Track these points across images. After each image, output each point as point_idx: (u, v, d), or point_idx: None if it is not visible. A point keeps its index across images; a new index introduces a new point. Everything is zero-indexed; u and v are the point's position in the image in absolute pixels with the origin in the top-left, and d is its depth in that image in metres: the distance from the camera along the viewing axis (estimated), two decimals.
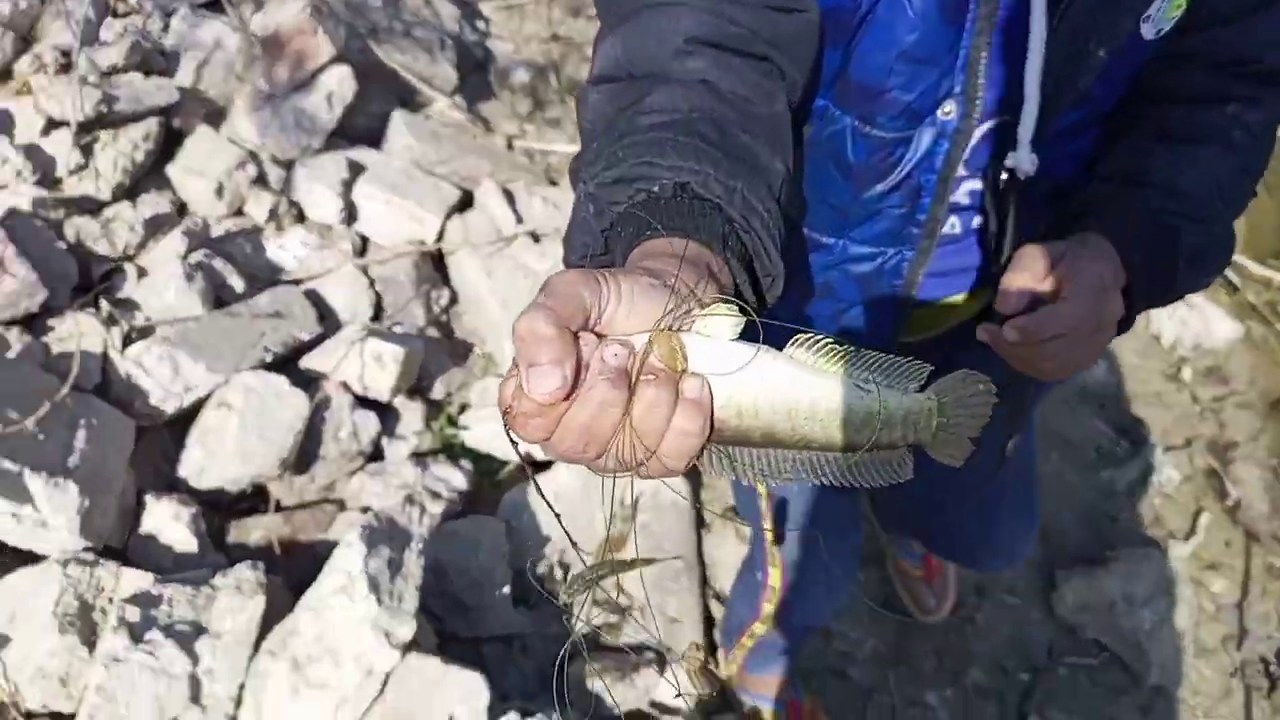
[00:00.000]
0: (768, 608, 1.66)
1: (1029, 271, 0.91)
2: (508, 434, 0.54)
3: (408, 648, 1.58)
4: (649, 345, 0.52)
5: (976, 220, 1.04)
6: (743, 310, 0.55)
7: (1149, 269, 0.91)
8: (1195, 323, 3.12)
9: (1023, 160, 0.90)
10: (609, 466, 0.54)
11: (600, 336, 0.52)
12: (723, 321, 0.54)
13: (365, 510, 1.92)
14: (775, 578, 1.47)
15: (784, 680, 2.01)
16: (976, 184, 0.99)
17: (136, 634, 1.52)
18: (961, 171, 0.96)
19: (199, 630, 1.58)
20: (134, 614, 1.53)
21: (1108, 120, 1.00)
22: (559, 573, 2.15)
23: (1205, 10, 0.89)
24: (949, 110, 0.89)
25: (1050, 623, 2.34)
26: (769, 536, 1.50)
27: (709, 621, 2.11)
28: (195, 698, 1.53)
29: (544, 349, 0.49)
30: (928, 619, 2.21)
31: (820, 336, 0.57)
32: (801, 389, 0.56)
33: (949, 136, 0.91)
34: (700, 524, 2.32)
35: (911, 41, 0.84)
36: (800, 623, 1.67)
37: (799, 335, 0.57)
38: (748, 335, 0.56)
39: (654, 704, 1.89)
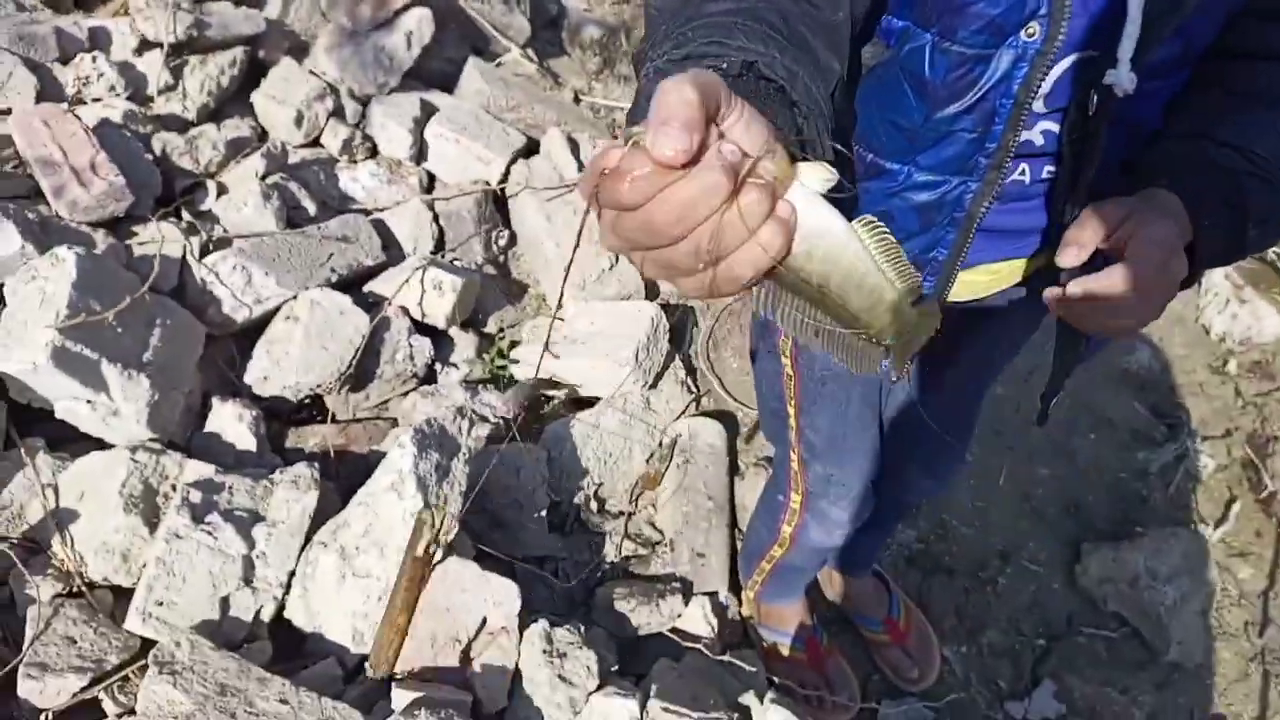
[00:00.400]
0: (786, 529, 1.73)
1: (1093, 227, 0.92)
2: (593, 200, 0.54)
3: (448, 550, 1.67)
4: (764, 154, 0.54)
5: (1047, 170, 1.02)
6: (838, 175, 0.58)
7: (1217, 230, 0.90)
8: (1246, 317, 3.10)
9: (1122, 78, 0.87)
10: (675, 261, 0.54)
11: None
12: (819, 175, 0.58)
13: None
14: (795, 500, 1.53)
15: (802, 611, 2.08)
16: (1053, 125, 0.97)
17: (198, 515, 1.63)
18: (1040, 107, 0.94)
19: (256, 518, 1.69)
20: (196, 496, 1.65)
21: (1192, 71, 0.98)
22: (594, 504, 2.23)
23: None
24: (1032, 31, 0.86)
25: (1073, 593, 2.38)
26: (794, 457, 1.57)
27: (735, 560, 2.19)
28: (248, 579, 1.64)
29: (682, 111, 0.49)
30: (915, 688, 2.17)
31: (879, 225, 0.61)
32: (860, 260, 0.62)
33: (1029, 60, 0.88)
34: (734, 471, 2.39)
35: None
36: (817, 543, 1.72)
37: (866, 217, 0.62)
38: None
39: (675, 630, 1.97)
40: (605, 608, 1.98)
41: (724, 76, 0.61)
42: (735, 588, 2.15)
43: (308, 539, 1.72)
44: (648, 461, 2.33)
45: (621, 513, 2.27)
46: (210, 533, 1.62)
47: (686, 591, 2.05)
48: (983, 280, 1.17)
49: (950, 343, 1.34)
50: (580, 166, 2.64)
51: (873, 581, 2.22)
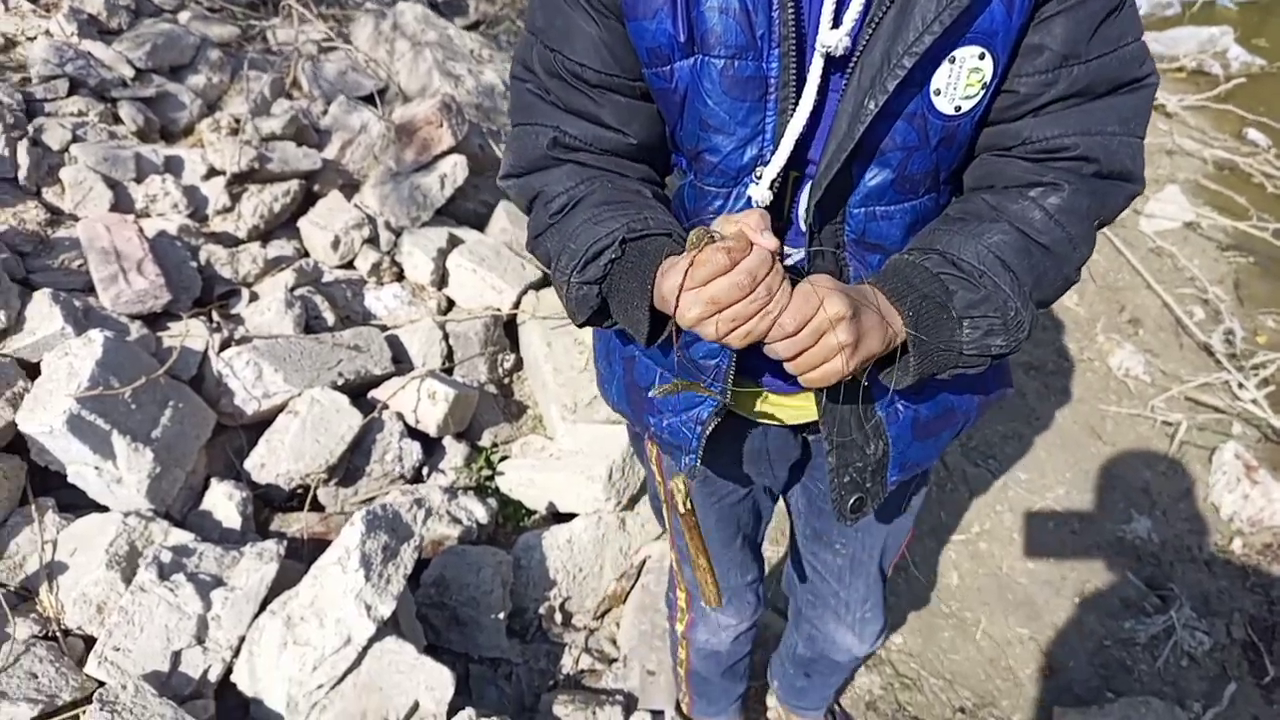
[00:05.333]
0: (679, 627, 1.80)
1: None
2: (696, 253, 0.88)
3: (385, 627, 1.77)
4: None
5: None
6: None
7: (923, 318, 0.99)
8: (1258, 499, 3.05)
9: (757, 192, 1.02)
10: (740, 311, 0.88)
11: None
12: None
13: None
14: (682, 597, 1.60)
15: None
16: (798, 253, 1.09)
17: (165, 573, 1.78)
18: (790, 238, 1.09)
19: (219, 583, 1.83)
20: (166, 556, 1.80)
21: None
22: (559, 616, 2.30)
23: (1021, 100, 0.98)
24: (760, 174, 1.02)
25: None
26: (672, 554, 1.65)
27: None
28: (201, 638, 1.76)
29: (757, 223, 0.89)
30: None
31: None
32: None
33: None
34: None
35: (710, 112, 1.02)
36: (704, 643, 1.77)
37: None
38: None
39: None
40: (546, 713, 2.03)
41: (623, 259, 1.01)
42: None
43: (263, 607, 1.84)
44: (618, 580, 2.40)
45: (585, 627, 2.33)
46: (172, 590, 1.76)
47: (629, 706, 2.08)
48: (794, 406, 1.26)
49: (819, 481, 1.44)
50: None
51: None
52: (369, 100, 3.27)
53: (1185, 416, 3.31)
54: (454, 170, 2.96)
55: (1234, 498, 3.08)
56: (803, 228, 1.06)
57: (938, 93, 0.97)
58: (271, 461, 2.22)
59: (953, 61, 0.96)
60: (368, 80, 3.36)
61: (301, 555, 2.10)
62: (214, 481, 2.17)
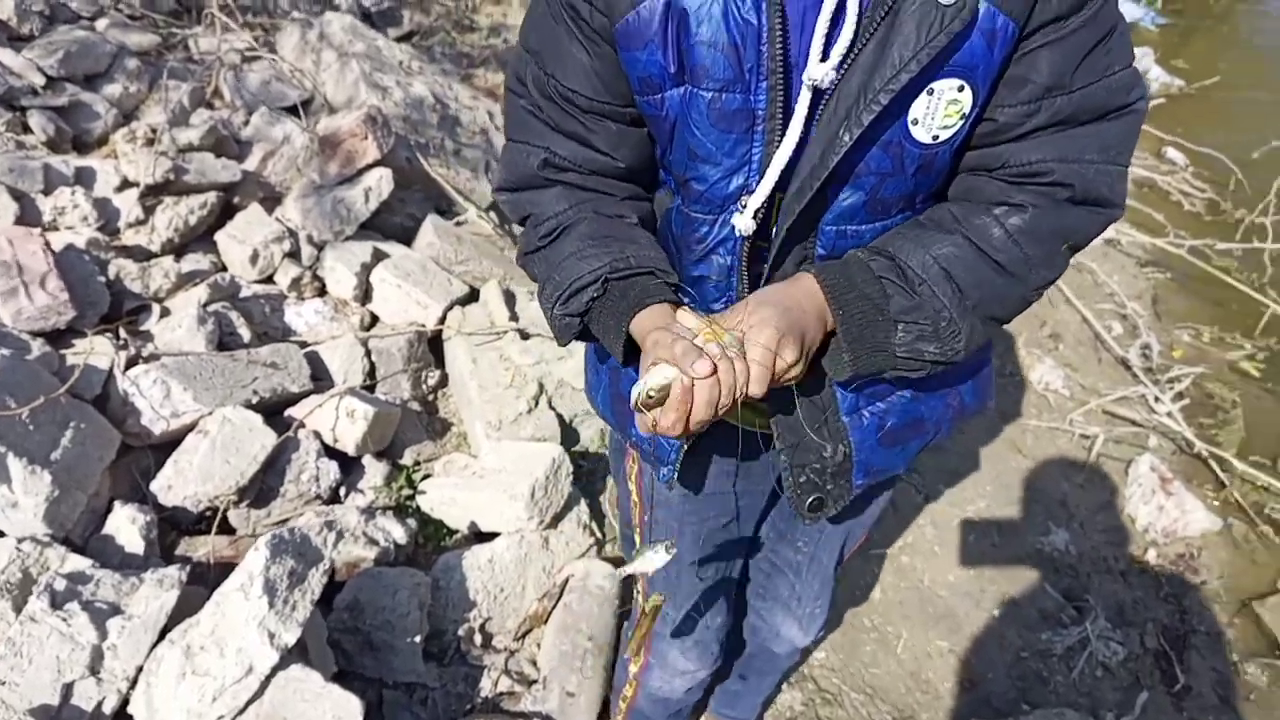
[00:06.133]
0: (633, 669, 1.77)
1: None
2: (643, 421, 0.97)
3: (290, 654, 1.73)
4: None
5: None
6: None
7: (855, 312, 1.02)
8: (1172, 510, 3.13)
9: (741, 222, 1.05)
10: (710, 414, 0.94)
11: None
12: None
13: None
14: (639, 637, 1.59)
15: None
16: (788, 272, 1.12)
17: (57, 602, 1.72)
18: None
19: (116, 611, 1.77)
20: (60, 584, 1.74)
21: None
22: (479, 638, 2.27)
23: (1002, 128, 0.99)
24: (744, 202, 1.05)
25: None
26: (637, 589, 1.64)
27: (606, 704, 2.19)
28: (95, 669, 1.70)
29: (687, 354, 0.94)
30: None
31: None
32: None
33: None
34: (625, 614, 2.42)
35: (698, 143, 1.04)
36: (657, 689, 1.76)
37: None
38: None
39: None
40: None
41: (605, 297, 1.09)
42: None
43: (163, 636, 1.78)
44: (540, 600, 2.37)
45: (505, 648, 2.30)
46: (65, 619, 1.69)
47: None
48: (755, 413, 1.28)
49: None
50: (514, 316, 2.83)
51: None
52: (293, 111, 3.21)
53: (1103, 430, 3.39)
54: (379, 184, 2.92)
55: (1149, 509, 3.15)
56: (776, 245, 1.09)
57: (915, 122, 0.98)
58: (179, 483, 2.15)
59: (931, 93, 0.96)
60: (292, 91, 3.31)
61: (208, 580, 2.04)
62: (117, 505, 2.11)
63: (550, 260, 1.14)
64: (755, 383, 0.95)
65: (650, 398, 0.94)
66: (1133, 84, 1.00)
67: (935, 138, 1.00)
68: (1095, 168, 1.01)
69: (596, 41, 1.05)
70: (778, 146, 1.00)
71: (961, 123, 0.99)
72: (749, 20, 0.94)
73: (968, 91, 0.97)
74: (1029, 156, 1.01)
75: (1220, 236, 4.50)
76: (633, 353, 1.08)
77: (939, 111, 0.98)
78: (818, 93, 0.97)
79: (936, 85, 0.96)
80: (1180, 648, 2.77)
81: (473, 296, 2.92)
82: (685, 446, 1.27)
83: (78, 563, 1.87)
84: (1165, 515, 3.14)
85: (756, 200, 1.03)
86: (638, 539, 1.61)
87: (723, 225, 1.10)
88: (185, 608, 1.84)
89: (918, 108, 0.97)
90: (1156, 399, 3.57)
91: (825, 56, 0.95)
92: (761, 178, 1.02)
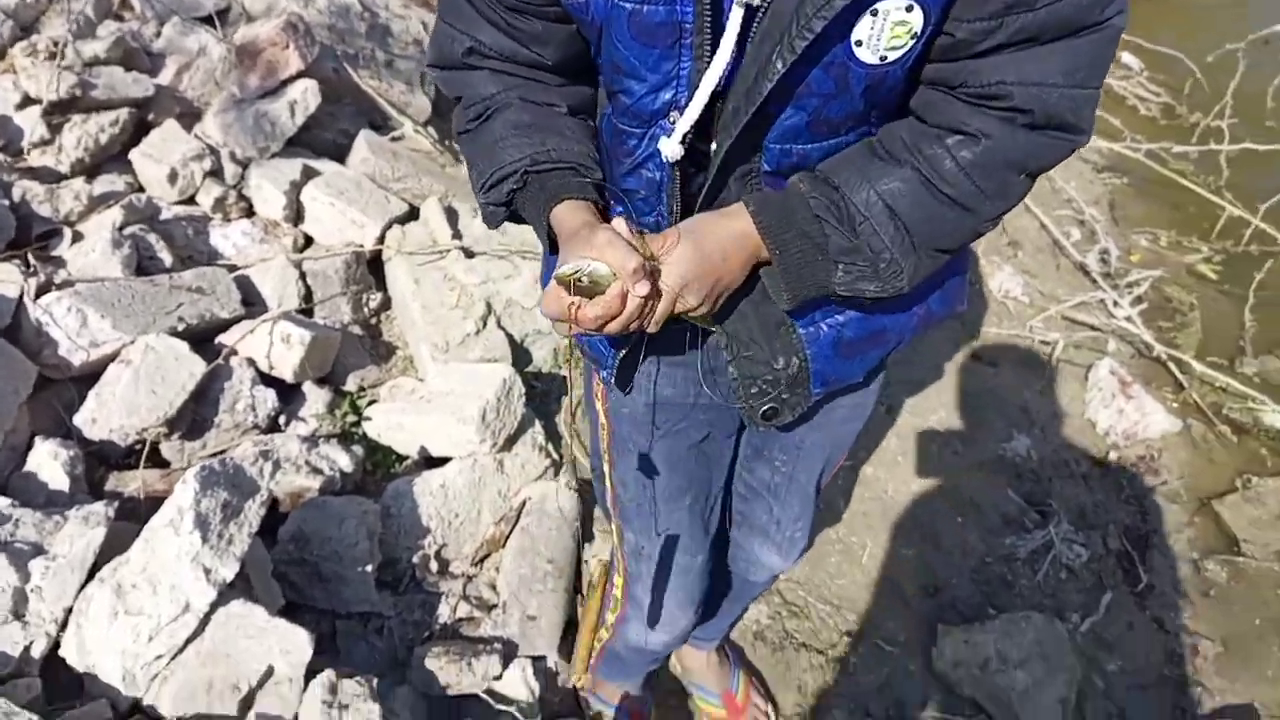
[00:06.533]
0: (610, 616, 1.69)
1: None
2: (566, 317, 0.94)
3: (230, 590, 1.63)
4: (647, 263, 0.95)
5: None
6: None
7: (792, 250, 1.00)
8: (1132, 413, 3.12)
9: (667, 147, 0.99)
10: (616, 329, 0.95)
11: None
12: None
13: None
14: (619, 584, 1.51)
15: (629, 692, 2.02)
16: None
17: None
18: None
19: (38, 551, 1.65)
20: None
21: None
22: (434, 564, 2.18)
23: (959, 44, 0.90)
24: (674, 119, 0.98)
25: (930, 677, 2.31)
26: (613, 527, 1.55)
27: (568, 626, 2.13)
28: (19, 612, 1.59)
29: (624, 260, 0.92)
30: None
31: None
32: None
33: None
34: (587, 537, 2.35)
35: (621, 56, 0.96)
36: (635, 641, 1.69)
37: None
38: None
39: (491, 693, 1.91)
40: (419, 666, 1.92)
41: (525, 188, 1.08)
42: (569, 651, 2.09)
43: (91, 576, 1.67)
44: (496, 524, 2.29)
45: (463, 574, 2.22)
46: None
47: (508, 654, 1.99)
48: None
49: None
50: (457, 234, 2.69)
51: (717, 655, 2.16)
52: (208, 21, 2.99)
53: (1062, 336, 3.35)
54: (304, 96, 2.73)
55: (1109, 413, 3.14)
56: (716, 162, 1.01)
57: (859, 44, 0.89)
58: (103, 416, 2.02)
59: (875, 14, 0.87)
60: None
61: (140, 515, 1.92)
62: (38, 440, 1.97)
63: (477, 143, 1.12)
64: (652, 321, 0.97)
65: (579, 283, 0.91)
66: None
67: (883, 58, 0.91)
68: (1060, 91, 0.91)
69: None
70: (708, 64, 0.92)
71: (912, 42, 0.90)
72: None
73: (917, 11, 0.87)
74: (988, 78, 0.91)
75: (1177, 140, 4.44)
76: (557, 244, 1.06)
77: (885, 33, 0.89)
78: (750, 9, 0.88)
79: (881, 6, 0.86)
80: (1142, 548, 2.77)
81: (412, 215, 2.77)
82: (620, 352, 1.22)
83: None
84: (1125, 418, 3.13)
85: (685, 123, 0.96)
86: (606, 469, 1.51)
87: (651, 140, 1.03)
88: (115, 545, 1.73)
89: (861, 29, 0.88)
90: (1115, 303, 3.54)
91: None
92: (690, 95, 0.95)
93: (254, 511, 1.70)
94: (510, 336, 2.58)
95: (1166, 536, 2.82)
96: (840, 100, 0.96)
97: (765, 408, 1.19)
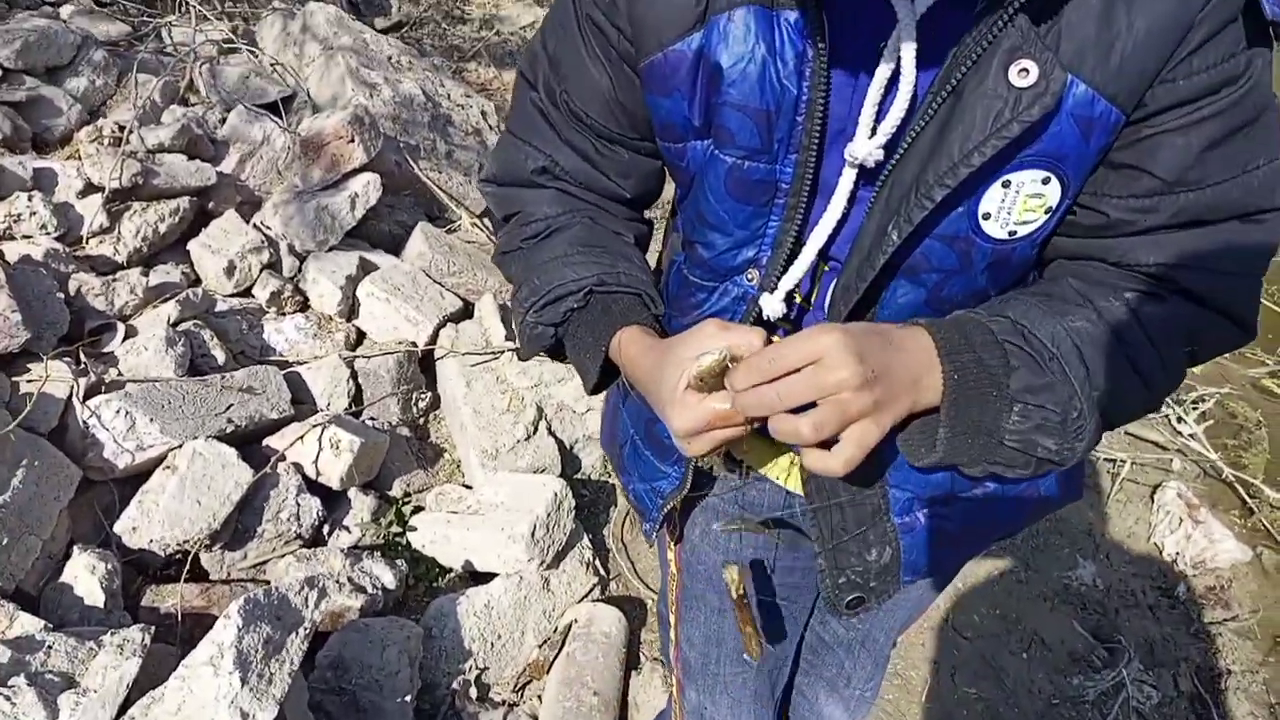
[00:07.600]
0: None
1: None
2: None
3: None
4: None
5: None
6: None
7: (968, 381, 0.81)
8: (1200, 539, 2.98)
9: (769, 304, 0.91)
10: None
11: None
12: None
13: None
14: (675, 693, 1.41)
15: None
16: None
17: (1, 676, 1.52)
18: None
19: (69, 683, 1.57)
20: (5, 655, 1.53)
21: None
22: (474, 691, 2.08)
23: (1111, 224, 0.83)
24: (752, 277, 0.93)
25: None
26: (674, 680, 1.44)
27: None
28: None
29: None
30: None
31: None
32: None
33: (746, 300, 0.94)
34: (631, 664, 2.24)
35: (710, 209, 0.90)
36: None
37: None
38: None
39: None
40: None
41: (584, 309, 0.97)
42: None
43: (123, 711, 1.58)
44: (540, 647, 2.19)
45: (504, 701, 2.11)
46: (9, 698, 1.49)
47: None
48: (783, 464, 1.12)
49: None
50: (510, 335, 2.64)
51: None
52: (273, 109, 3.00)
53: (1127, 454, 3.23)
54: (366, 189, 2.71)
55: (1176, 538, 3.00)
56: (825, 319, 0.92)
57: (986, 216, 0.81)
58: (144, 525, 1.95)
59: (1007, 185, 0.79)
60: (273, 87, 3.09)
61: (177, 635, 1.84)
62: (76, 550, 1.90)
63: (531, 262, 1.01)
64: (817, 427, 0.73)
65: (711, 375, 0.77)
66: (1277, 184, 0.80)
67: (1012, 233, 0.83)
68: (1231, 278, 0.83)
69: (620, 67, 0.90)
70: (798, 225, 0.86)
71: (1046, 217, 0.82)
72: (787, 87, 0.80)
73: (1054, 184, 0.79)
74: (1146, 258, 0.83)
75: None
76: (605, 380, 0.99)
77: (1017, 205, 0.80)
78: (864, 171, 0.82)
79: (1014, 177, 0.78)
80: (1215, 690, 2.62)
81: (466, 312, 2.72)
82: (664, 507, 1.13)
83: (27, 624, 1.67)
84: (1193, 544, 2.98)
85: (789, 282, 0.89)
86: (673, 619, 1.41)
87: (721, 295, 0.97)
88: (150, 670, 1.65)
89: (990, 201, 0.80)
90: (1180, 419, 3.42)
91: (874, 131, 0.79)
92: (772, 254, 0.89)
93: (296, 647, 1.62)
94: (560, 442, 2.51)
95: (1241, 677, 2.66)
96: (962, 277, 0.87)
97: (851, 597, 1.09)
